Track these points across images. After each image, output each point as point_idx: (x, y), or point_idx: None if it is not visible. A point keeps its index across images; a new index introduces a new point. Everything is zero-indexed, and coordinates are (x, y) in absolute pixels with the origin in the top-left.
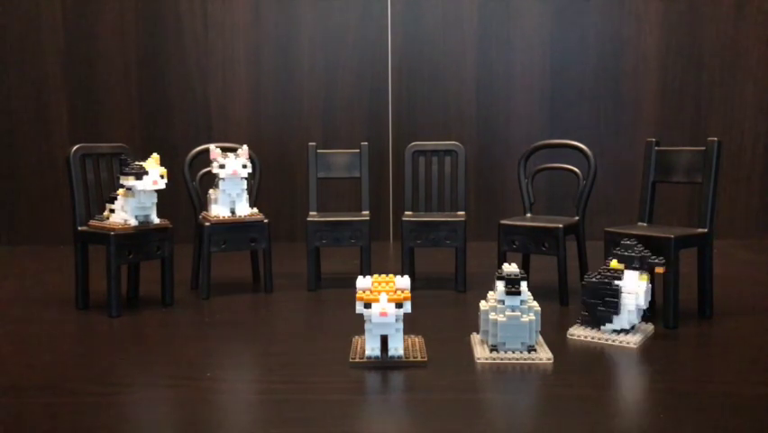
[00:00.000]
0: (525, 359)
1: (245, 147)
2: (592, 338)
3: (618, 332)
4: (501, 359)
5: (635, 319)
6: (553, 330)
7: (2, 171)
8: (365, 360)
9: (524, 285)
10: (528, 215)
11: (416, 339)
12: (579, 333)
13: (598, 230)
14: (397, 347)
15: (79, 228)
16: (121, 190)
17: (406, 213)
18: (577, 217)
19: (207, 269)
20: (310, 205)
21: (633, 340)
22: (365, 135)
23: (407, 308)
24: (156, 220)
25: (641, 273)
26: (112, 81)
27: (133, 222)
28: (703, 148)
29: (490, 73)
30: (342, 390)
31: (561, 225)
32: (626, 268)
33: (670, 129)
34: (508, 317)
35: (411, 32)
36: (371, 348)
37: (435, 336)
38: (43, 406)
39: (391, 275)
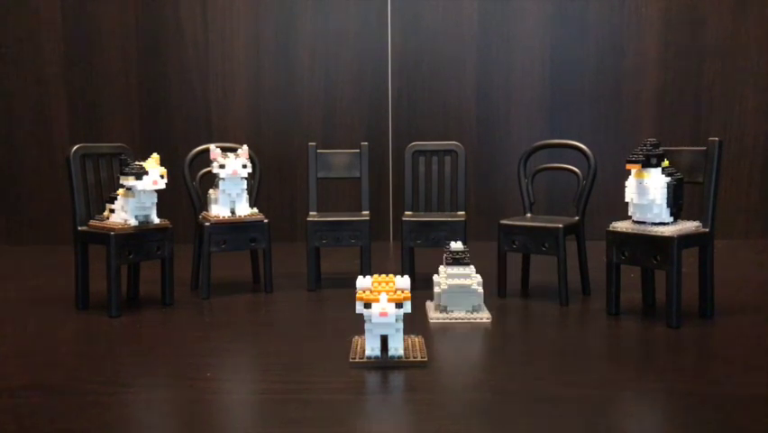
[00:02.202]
0: (468, 319)
1: (245, 147)
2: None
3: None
4: (449, 319)
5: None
6: (553, 330)
7: (2, 171)
8: (365, 360)
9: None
10: (528, 215)
11: (416, 339)
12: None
13: (598, 230)
14: (397, 347)
15: (79, 228)
16: (121, 190)
17: (406, 213)
18: (577, 217)
19: (207, 269)
20: (310, 205)
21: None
22: (365, 135)
23: (407, 308)
24: (156, 220)
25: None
26: (112, 81)
27: (133, 222)
28: (704, 148)
29: (490, 73)
30: (342, 390)
31: (561, 226)
32: None
33: (670, 129)
34: (455, 285)
35: (411, 32)
36: (371, 348)
37: (435, 336)
38: (43, 406)
39: (391, 275)
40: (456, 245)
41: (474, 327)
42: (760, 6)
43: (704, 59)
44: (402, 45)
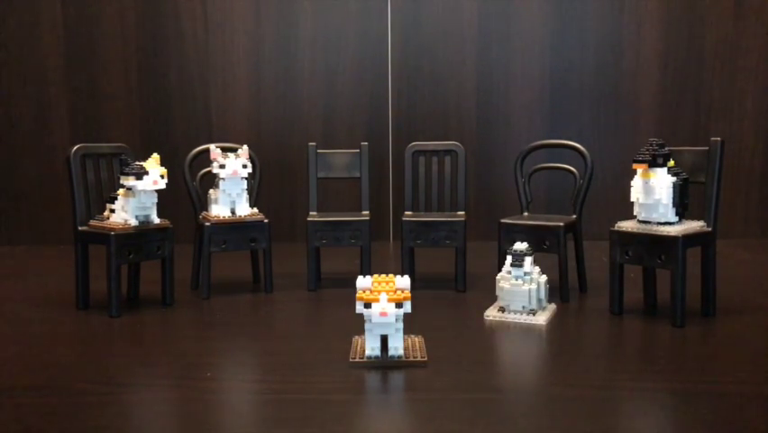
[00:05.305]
0: (524, 320)
1: (245, 147)
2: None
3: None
4: (505, 318)
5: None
6: (553, 328)
7: (2, 171)
8: (365, 360)
9: (528, 260)
10: (525, 213)
11: (416, 339)
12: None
13: (597, 230)
14: (397, 347)
15: (80, 228)
16: (121, 190)
17: (406, 213)
18: (575, 216)
19: (207, 269)
20: (310, 205)
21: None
22: (365, 135)
23: (407, 308)
24: (156, 220)
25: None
26: (112, 81)
27: (134, 222)
28: (706, 148)
29: (490, 73)
30: (342, 390)
31: (562, 224)
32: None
33: (670, 129)
34: (512, 284)
35: (411, 32)
36: (371, 348)
37: (435, 335)
38: (43, 406)
39: (391, 275)
40: (520, 245)
41: (495, 326)
42: (759, 6)
43: (704, 59)
44: (402, 45)
